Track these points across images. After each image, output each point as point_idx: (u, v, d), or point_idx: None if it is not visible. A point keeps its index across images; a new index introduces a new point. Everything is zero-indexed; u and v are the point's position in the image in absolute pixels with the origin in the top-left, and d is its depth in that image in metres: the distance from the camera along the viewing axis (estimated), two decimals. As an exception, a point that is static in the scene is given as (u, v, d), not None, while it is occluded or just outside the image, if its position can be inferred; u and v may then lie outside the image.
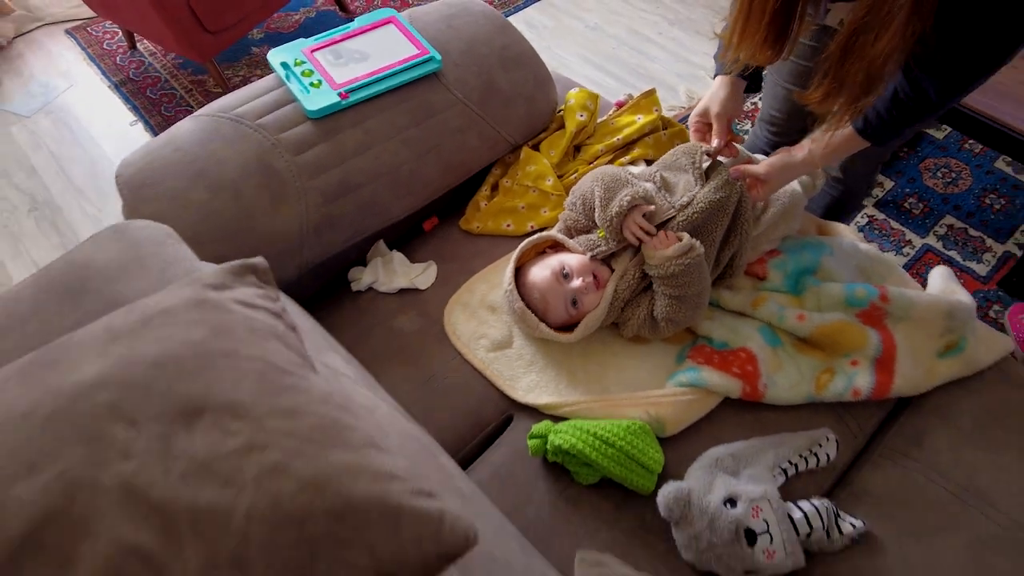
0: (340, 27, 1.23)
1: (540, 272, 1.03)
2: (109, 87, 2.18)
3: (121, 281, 0.71)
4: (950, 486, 0.95)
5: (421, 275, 1.18)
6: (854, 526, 0.90)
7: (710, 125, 1.09)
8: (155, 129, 2.04)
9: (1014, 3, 0.74)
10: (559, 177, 1.26)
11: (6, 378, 0.50)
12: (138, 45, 2.31)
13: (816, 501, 0.91)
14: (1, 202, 1.85)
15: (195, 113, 1.11)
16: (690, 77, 2.27)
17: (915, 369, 1.02)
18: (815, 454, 0.97)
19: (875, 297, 1.05)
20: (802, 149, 0.99)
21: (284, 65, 1.15)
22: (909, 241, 1.73)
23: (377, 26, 1.23)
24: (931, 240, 1.73)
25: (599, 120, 1.36)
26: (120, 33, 2.33)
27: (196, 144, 1.05)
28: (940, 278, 1.15)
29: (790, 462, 0.96)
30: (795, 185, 1.15)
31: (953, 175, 1.86)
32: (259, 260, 0.65)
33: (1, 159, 1.96)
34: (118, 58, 2.28)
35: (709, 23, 2.48)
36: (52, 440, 0.44)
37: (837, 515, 0.91)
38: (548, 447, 0.93)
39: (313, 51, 1.18)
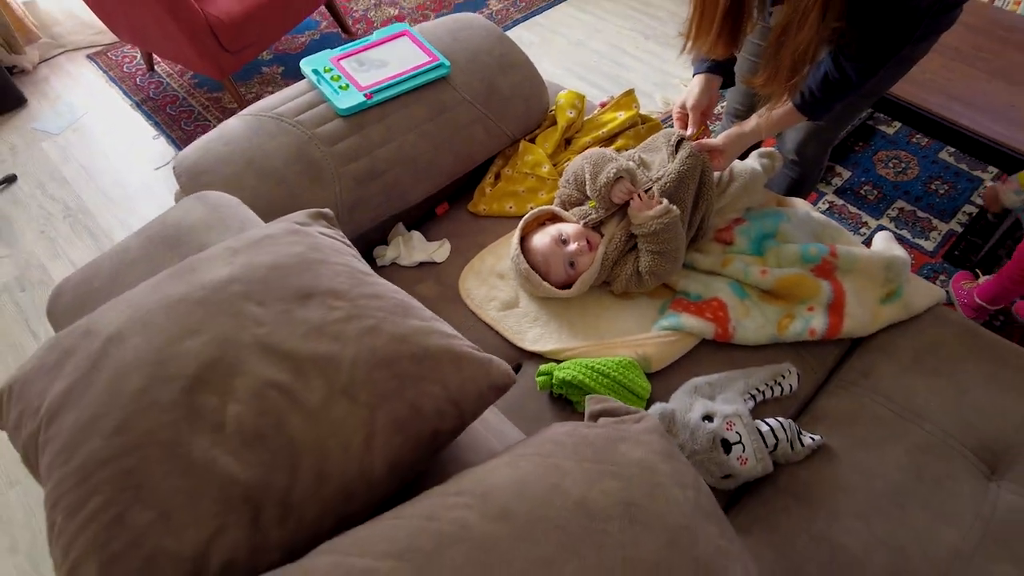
0: (361, 39, 1.41)
1: (542, 239, 1.21)
2: (131, 105, 2.35)
3: (209, 234, 0.87)
4: (892, 406, 1.13)
5: (437, 250, 1.35)
6: (813, 439, 1.07)
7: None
8: (176, 142, 2.21)
9: (902, 9, 0.97)
10: (553, 165, 1.45)
11: (159, 281, 0.66)
12: (156, 67, 2.49)
13: (780, 419, 1.09)
14: (38, 210, 2.01)
15: (240, 113, 1.29)
16: (665, 85, 2.49)
17: (862, 313, 1.21)
18: (779, 384, 1.15)
19: (826, 253, 1.24)
20: (750, 123, 1.20)
21: (315, 72, 1.33)
22: (865, 223, 1.93)
23: (393, 38, 1.42)
24: (885, 221, 1.93)
25: (586, 117, 1.55)
26: (138, 57, 2.51)
27: (244, 139, 1.22)
28: (882, 240, 1.34)
29: (758, 389, 1.13)
30: (756, 165, 1.34)
31: (903, 165, 2.07)
32: (327, 210, 0.82)
33: (35, 172, 2.12)
34: (138, 79, 2.46)
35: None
36: (204, 315, 0.61)
37: (799, 432, 1.08)
38: (553, 381, 1.10)
39: (339, 60, 1.37)
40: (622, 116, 1.52)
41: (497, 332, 1.22)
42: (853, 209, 1.96)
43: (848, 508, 1.01)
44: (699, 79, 1.27)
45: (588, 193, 1.21)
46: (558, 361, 1.16)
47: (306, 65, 1.35)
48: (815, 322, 1.19)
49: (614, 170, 1.16)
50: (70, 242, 1.92)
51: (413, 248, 1.35)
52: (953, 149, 2.09)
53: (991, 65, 1.85)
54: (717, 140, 1.23)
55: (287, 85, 2.40)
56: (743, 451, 1.03)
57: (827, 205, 1.98)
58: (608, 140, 1.50)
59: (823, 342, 1.22)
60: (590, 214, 1.22)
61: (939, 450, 1.08)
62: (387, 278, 1.33)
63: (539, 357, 1.19)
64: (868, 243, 1.84)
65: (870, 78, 1.10)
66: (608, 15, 2.85)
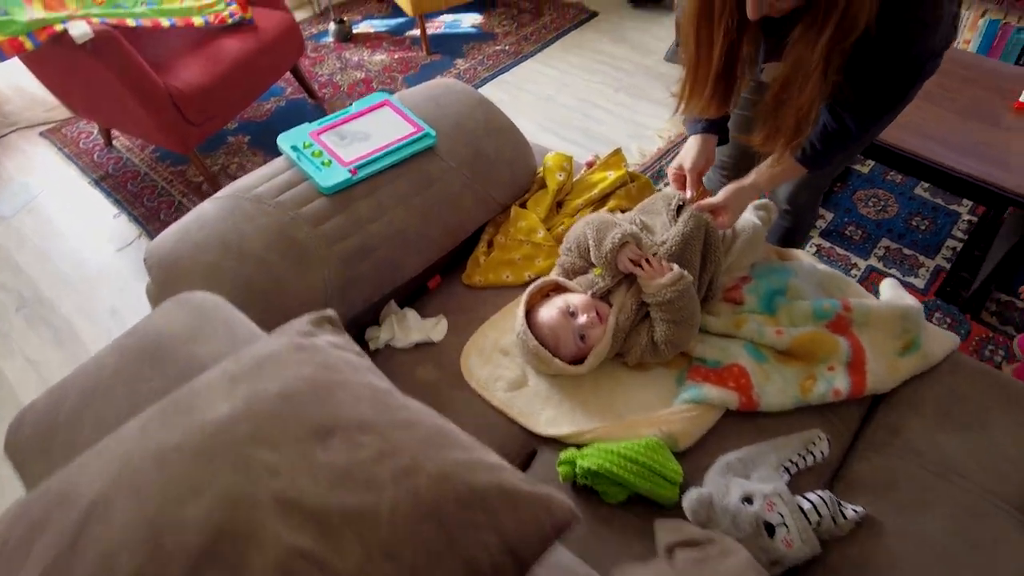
0: (340, 111, 1.35)
1: (548, 312, 1.14)
2: (89, 183, 2.24)
3: (195, 343, 0.78)
4: (928, 466, 1.07)
5: (434, 328, 1.27)
6: (856, 511, 1.00)
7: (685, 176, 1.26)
8: (140, 220, 2.10)
9: (899, 62, 0.97)
10: (547, 230, 1.39)
11: (145, 423, 0.56)
12: (114, 142, 2.39)
13: (820, 492, 1.02)
14: (-12, 302, 1.86)
15: (214, 196, 1.21)
16: (639, 136, 2.49)
17: (882, 368, 1.16)
18: (811, 452, 1.08)
19: (839, 308, 1.20)
20: (749, 178, 1.17)
21: (294, 148, 1.26)
22: (855, 264, 1.93)
23: (374, 109, 1.37)
24: (873, 261, 1.93)
25: (575, 178, 1.51)
26: (96, 132, 2.40)
27: (221, 222, 1.14)
28: (890, 288, 1.31)
29: (791, 461, 1.07)
30: (754, 219, 1.31)
31: (882, 203, 2.09)
32: (330, 312, 0.74)
33: (-16, 261, 1.97)
34: (95, 155, 2.35)
35: (650, 87, 2.74)
36: (206, 468, 0.51)
37: (840, 504, 1.02)
38: (577, 470, 1.01)
39: (319, 134, 1.30)
40: (612, 176, 1.48)
41: (507, 416, 1.13)
42: (841, 251, 1.96)
43: (902, 584, 0.94)
44: (695, 139, 1.24)
45: (593, 260, 1.16)
46: (578, 446, 1.08)
47: (283, 141, 1.28)
48: (838, 382, 1.14)
49: (619, 235, 1.11)
50: (25, 337, 1.77)
51: (408, 328, 1.26)
52: (928, 184, 2.12)
53: (957, 104, 1.89)
54: (718, 198, 1.19)
55: (254, 154, 2.33)
56: (787, 533, 0.95)
57: (815, 249, 1.97)
58: (600, 201, 1.46)
59: (845, 401, 1.16)
60: (597, 283, 1.16)
61: (982, 509, 1.02)
62: (382, 362, 1.25)
63: (555, 442, 1.10)
64: (862, 284, 1.84)
65: (870, 128, 1.08)
66: (574, 69, 2.87)
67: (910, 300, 1.25)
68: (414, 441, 0.54)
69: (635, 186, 1.50)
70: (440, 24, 3.14)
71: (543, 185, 1.50)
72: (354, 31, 3.01)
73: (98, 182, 2.24)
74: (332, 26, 2.92)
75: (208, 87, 1.97)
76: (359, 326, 1.29)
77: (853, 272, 1.90)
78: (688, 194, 1.23)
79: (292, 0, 2.74)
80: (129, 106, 1.90)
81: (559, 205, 1.47)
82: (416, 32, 3.04)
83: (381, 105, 1.38)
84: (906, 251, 1.95)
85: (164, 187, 2.21)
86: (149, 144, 2.37)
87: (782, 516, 0.96)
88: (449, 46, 2.99)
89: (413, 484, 0.51)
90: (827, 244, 1.98)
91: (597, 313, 1.13)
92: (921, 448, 1.10)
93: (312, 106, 2.59)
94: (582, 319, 1.11)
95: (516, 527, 0.51)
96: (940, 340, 1.22)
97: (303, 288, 1.13)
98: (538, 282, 1.20)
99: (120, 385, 0.74)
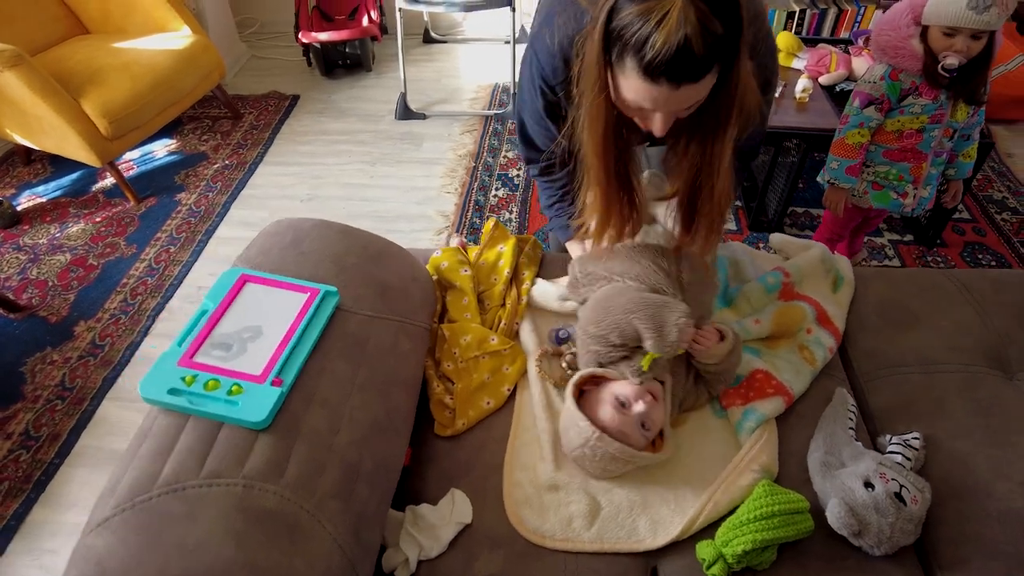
0: (194, 317, 0.98)
1: (604, 412, 0.99)
2: None
3: None
4: (915, 370, 1.21)
5: (455, 510, 1.01)
6: (917, 438, 1.08)
7: None
8: None
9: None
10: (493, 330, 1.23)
11: None
12: None
13: (891, 439, 1.08)
14: None
15: (97, 523, 0.77)
16: (428, 200, 2.38)
17: (836, 309, 1.28)
18: (850, 411, 1.14)
19: (781, 276, 1.28)
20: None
21: (177, 392, 0.87)
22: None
23: (236, 292, 1.03)
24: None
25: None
26: None
27: (146, 549, 0.73)
28: (786, 242, 1.45)
29: (849, 428, 1.10)
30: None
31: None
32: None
33: None
34: None
35: (401, 150, 2.64)
36: None
37: (905, 441, 1.08)
38: (729, 560, 0.90)
39: (190, 358, 0.92)
40: (504, 248, 1.37)
41: (608, 553, 0.96)
42: (665, 228, 2.14)
43: (990, 475, 1.04)
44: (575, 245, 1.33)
45: (652, 349, 1.00)
46: (695, 537, 0.96)
47: (153, 390, 0.88)
48: (825, 339, 1.22)
49: (682, 319, 0.99)
50: None
51: (432, 527, 0.98)
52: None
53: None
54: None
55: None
56: (909, 492, 0.98)
57: (645, 234, 2.12)
58: (515, 276, 1.34)
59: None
60: (646, 373, 1.02)
61: (971, 380, 1.18)
62: (428, 584, 0.95)
63: (673, 548, 0.97)
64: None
65: None
66: (315, 159, 2.62)
67: (812, 242, 1.39)
68: None
69: (529, 246, 1.41)
70: (131, 165, 2.57)
71: (445, 288, 1.32)
72: (17, 208, 2.29)
73: None
74: (-16, 213, 2.18)
75: None
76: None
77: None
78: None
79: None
80: None
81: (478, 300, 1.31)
82: (106, 183, 2.44)
83: (241, 283, 1.04)
84: (707, 206, 2.21)
85: None
86: None
87: (897, 480, 0.99)
88: (158, 183, 2.47)
89: None
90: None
91: (651, 394, 1.01)
92: (897, 359, 1.24)
93: (22, 322, 1.90)
94: (639, 407, 0.99)
95: None
96: (844, 264, 1.39)
97: (315, 564, 0.79)
98: (574, 380, 1.04)
99: None
